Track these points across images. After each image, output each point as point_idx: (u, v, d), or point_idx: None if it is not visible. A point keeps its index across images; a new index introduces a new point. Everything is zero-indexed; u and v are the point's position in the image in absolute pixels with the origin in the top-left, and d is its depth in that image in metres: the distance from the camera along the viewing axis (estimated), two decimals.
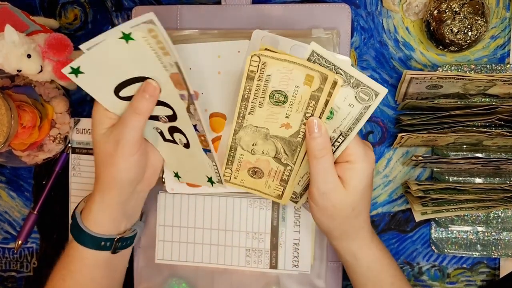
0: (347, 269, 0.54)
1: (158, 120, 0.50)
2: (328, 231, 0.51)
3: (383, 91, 0.44)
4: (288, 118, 0.47)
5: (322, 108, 0.46)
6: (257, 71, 0.45)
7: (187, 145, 0.51)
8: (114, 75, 0.45)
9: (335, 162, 0.48)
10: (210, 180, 0.55)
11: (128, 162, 0.49)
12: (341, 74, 0.44)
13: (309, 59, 0.44)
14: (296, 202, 0.56)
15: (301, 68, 0.43)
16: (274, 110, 0.47)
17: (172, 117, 0.49)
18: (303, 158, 0.50)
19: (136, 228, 0.56)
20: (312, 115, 0.46)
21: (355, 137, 0.47)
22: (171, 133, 0.51)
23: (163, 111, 0.48)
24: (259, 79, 0.45)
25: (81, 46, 0.41)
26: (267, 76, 0.45)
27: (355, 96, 0.45)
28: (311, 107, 0.46)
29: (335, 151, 0.48)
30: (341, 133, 0.47)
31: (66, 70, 0.42)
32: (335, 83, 0.44)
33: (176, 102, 0.46)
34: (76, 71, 0.42)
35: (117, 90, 0.46)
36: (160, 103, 0.48)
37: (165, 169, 0.59)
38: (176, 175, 0.57)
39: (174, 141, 0.52)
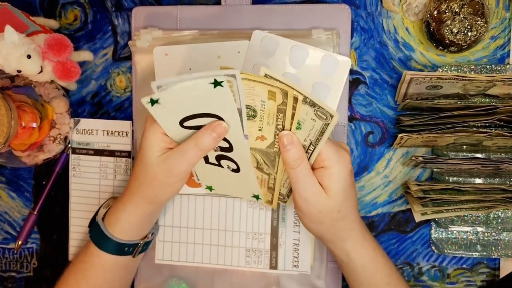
0: (342, 270, 0.54)
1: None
2: (319, 235, 0.52)
3: (335, 115, 0.45)
4: (262, 130, 0.48)
5: (290, 119, 0.46)
6: None
7: (236, 170, 0.53)
8: (187, 109, 0.46)
9: (313, 169, 0.49)
10: (256, 196, 0.57)
11: (175, 189, 0.51)
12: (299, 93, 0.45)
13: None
14: (285, 202, 0.57)
15: (261, 85, 0.44)
16: (248, 124, 0.47)
17: (227, 149, 0.50)
18: (283, 166, 0.50)
19: (154, 231, 0.58)
20: (283, 127, 0.47)
21: (328, 141, 0.48)
22: (217, 160, 0.52)
23: (220, 143, 0.49)
24: None
25: (155, 84, 0.43)
26: None
27: (315, 113, 0.46)
28: (280, 119, 0.46)
29: (308, 158, 0.49)
30: (311, 142, 0.48)
31: (145, 100, 0.44)
32: (296, 99, 0.44)
33: (239, 138, 0.48)
34: (154, 102, 0.44)
35: (183, 120, 0.47)
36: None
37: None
38: (209, 188, 0.59)
39: (219, 165, 0.53)
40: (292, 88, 0.44)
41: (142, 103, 0.44)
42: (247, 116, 0.46)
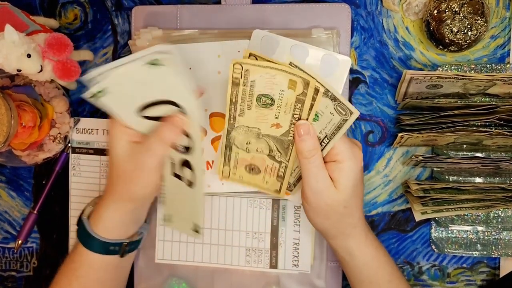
0: (344, 267, 0.54)
1: (175, 149, 0.51)
2: (324, 230, 0.52)
3: (355, 112, 0.45)
4: (278, 118, 0.48)
5: (308, 110, 0.46)
6: (241, 77, 0.46)
7: (190, 184, 0.52)
8: (138, 97, 0.46)
9: (324, 162, 0.49)
10: (196, 231, 0.56)
11: (148, 184, 0.50)
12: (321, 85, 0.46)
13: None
14: (291, 191, 0.57)
15: (284, 73, 0.44)
16: (263, 112, 0.48)
17: (187, 149, 0.50)
18: (296, 155, 0.51)
19: (142, 230, 0.57)
20: (299, 116, 0.47)
21: (342, 136, 0.48)
22: (181, 167, 0.52)
23: (181, 140, 0.50)
24: (244, 85, 0.46)
25: (91, 73, 0.43)
26: (251, 81, 0.46)
27: (334, 108, 0.46)
28: (298, 109, 0.47)
29: (322, 150, 0.49)
30: (326, 135, 0.48)
31: (87, 95, 0.44)
32: (317, 90, 0.45)
33: (195, 131, 0.48)
34: (98, 95, 0.44)
35: (140, 110, 0.47)
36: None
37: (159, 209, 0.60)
38: (168, 219, 0.59)
39: (179, 177, 0.53)
40: (315, 79, 0.44)
41: None
42: (264, 105, 0.46)
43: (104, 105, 0.46)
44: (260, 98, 0.47)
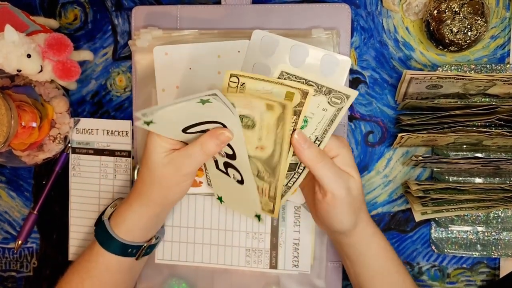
0: (353, 263, 0.53)
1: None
2: (349, 226, 0.50)
3: (353, 93, 0.46)
4: (260, 141, 0.48)
5: (295, 119, 0.47)
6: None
7: (241, 182, 0.52)
8: (186, 122, 0.47)
9: None
10: (258, 216, 0.55)
11: (181, 190, 0.51)
12: (312, 85, 0.46)
13: (279, 78, 0.46)
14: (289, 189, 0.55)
15: (280, 86, 0.44)
16: (246, 133, 0.47)
17: (231, 156, 0.50)
18: (284, 174, 0.50)
19: (159, 235, 0.58)
20: (291, 130, 0.46)
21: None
22: (225, 167, 0.52)
23: (225, 148, 0.49)
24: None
25: (139, 113, 0.43)
26: (232, 102, 0.45)
27: (328, 102, 0.46)
28: (280, 128, 0.46)
29: None
30: (317, 137, 0.48)
31: (139, 123, 0.44)
32: (306, 93, 0.45)
33: (241, 148, 0.48)
34: (148, 123, 0.45)
35: (186, 129, 0.48)
36: None
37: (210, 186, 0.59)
38: (220, 198, 0.58)
39: (226, 174, 0.53)
40: (311, 82, 0.44)
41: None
42: (246, 126, 0.46)
43: (153, 129, 0.47)
44: (242, 119, 0.46)
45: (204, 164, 0.55)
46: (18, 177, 0.67)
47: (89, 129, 0.64)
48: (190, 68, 0.58)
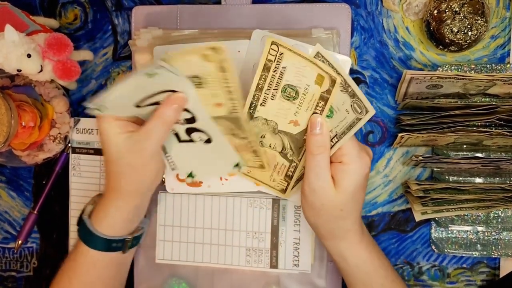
0: (337, 267, 0.54)
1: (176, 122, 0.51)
2: (314, 227, 0.52)
3: (372, 110, 0.45)
4: (297, 115, 0.48)
5: (323, 105, 0.46)
6: (274, 61, 0.45)
7: (208, 141, 0.51)
8: (138, 97, 0.46)
9: (330, 161, 0.48)
10: (237, 165, 0.54)
11: (152, 171, 0.50)
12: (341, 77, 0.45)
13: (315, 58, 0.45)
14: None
15: (314, 67, 0.44)
16: (284, 105, 0.47)
17: (191, 120, 0.49)
18: None
19: (143, 225, 0.58)
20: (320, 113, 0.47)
21: (353, 138, 0.48)
22: (188, 134, 0.51)
23: (182, 115, 0.49)
24: (275, 70, 0.46)
25: (91, 106, 0.44)
26: (282, 68, 0.45)
27: (351, 105, 0.46)
28: (320, 107, 0.46)
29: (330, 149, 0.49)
30: (337, 134, 0.48)
31: (91, 112, 0.45)
32: (334, 81, 0.44)
33: (198, 107, 0.47)
34: (101, 109, 0.45)
35: (137, 104, 0.47)
36: None
37: (167, 172, 0.58)
38: (190, 175, 0.57)
39: (191, 141, 0.52)
40: (341, 75, 0.44)
41: None
42: (287, 97, 0.46)
43: (107, 113, 0.47)
44: (286, 89, 0.46)
45: (164, 148, 0.53)
46: (18, 177, 0.67)
47: (89, 129, 0.64)
48: None
